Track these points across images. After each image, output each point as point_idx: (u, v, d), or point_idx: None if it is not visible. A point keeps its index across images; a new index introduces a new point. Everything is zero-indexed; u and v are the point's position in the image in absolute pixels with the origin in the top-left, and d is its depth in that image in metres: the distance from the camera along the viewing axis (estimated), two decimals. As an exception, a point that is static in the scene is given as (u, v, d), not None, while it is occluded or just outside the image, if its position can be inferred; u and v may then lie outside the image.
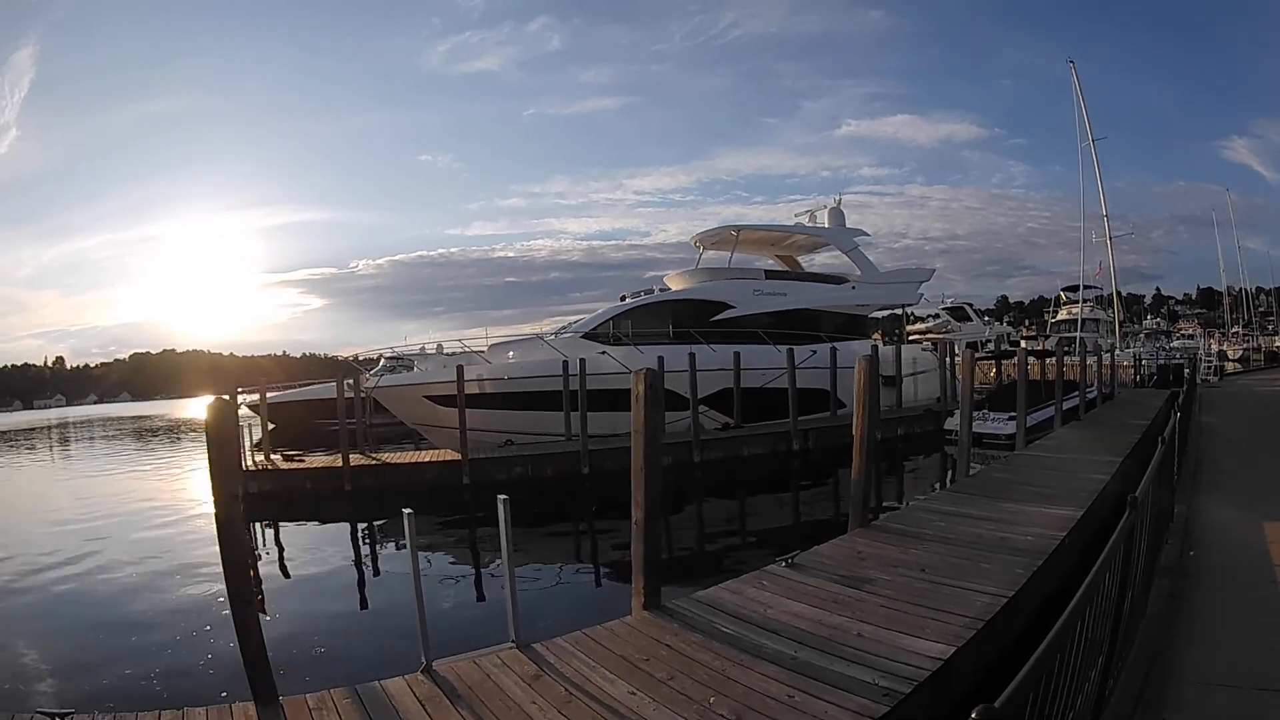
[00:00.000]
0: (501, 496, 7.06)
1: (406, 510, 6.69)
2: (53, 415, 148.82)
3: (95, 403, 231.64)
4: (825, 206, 34.29)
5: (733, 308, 28.18)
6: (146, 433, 65.62)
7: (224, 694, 6.70)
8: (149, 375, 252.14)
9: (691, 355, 24.24)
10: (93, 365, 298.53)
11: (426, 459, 23.23)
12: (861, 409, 10.57)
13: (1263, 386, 35.16)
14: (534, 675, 6.04)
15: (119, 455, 45.68)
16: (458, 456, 21.82)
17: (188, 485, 27.64)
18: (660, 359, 23.55)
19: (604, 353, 25.55)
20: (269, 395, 48.23)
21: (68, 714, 5.52)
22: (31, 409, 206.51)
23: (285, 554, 16.89)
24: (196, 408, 26.66)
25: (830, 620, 6.73)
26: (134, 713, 5.69)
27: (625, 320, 27.77)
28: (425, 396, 24.97)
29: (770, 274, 30.86)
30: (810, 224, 33.87)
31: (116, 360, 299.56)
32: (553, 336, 27.55)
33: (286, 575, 14.79)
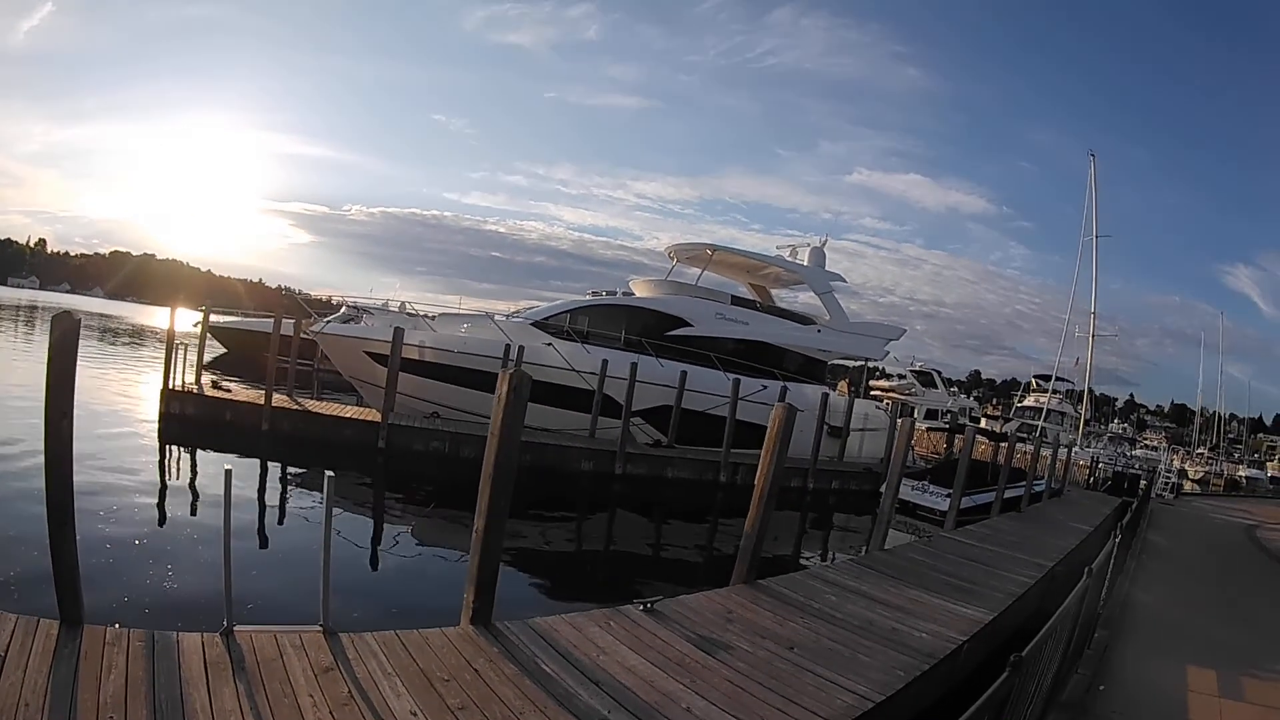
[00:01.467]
0: (328, 473, 6.57)
1: (328, 473, 6.56)
2: (23, 295, 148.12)
3: (67, 291, 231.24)
4: (809, 244, 33.51)
5: (690, 325, 27.59)
6: (109, 333, 64.72)
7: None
8: (125, 275, 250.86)
9: (633, 364, 23.58)
10: (72, 254, 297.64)
11: (348, 414, 22.55)
12: (768, 458, 9.68)
13: (1217, 513, 34.51)
14: (325, 667, 5.65)
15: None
16: (379, 417, 21.26)
17: (127, 394, 27.26)
18: (605, 362, 23.54)
19: (550, 344, 24.99)
20: (224, 320, 48.32)
21: None
22: (5, 285, 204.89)
23: (182, 482, 16.27)
24: (163, 317, 26.48)
25: (663, 685, 6.02)
26: None
27: (582, 316, 27.02)
28: (365, 351, 24.22)
29: (736, 300, 30.08)
30: (790, 258, 33.21)
31: (96, 254, 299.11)
32: (503, 318, 26.92)
33: (161, 505, 13.76)
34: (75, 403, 5.77)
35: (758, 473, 9.82)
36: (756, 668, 6.62)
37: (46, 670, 4.95)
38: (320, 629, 6.23)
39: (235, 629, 5.91)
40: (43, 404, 5.58)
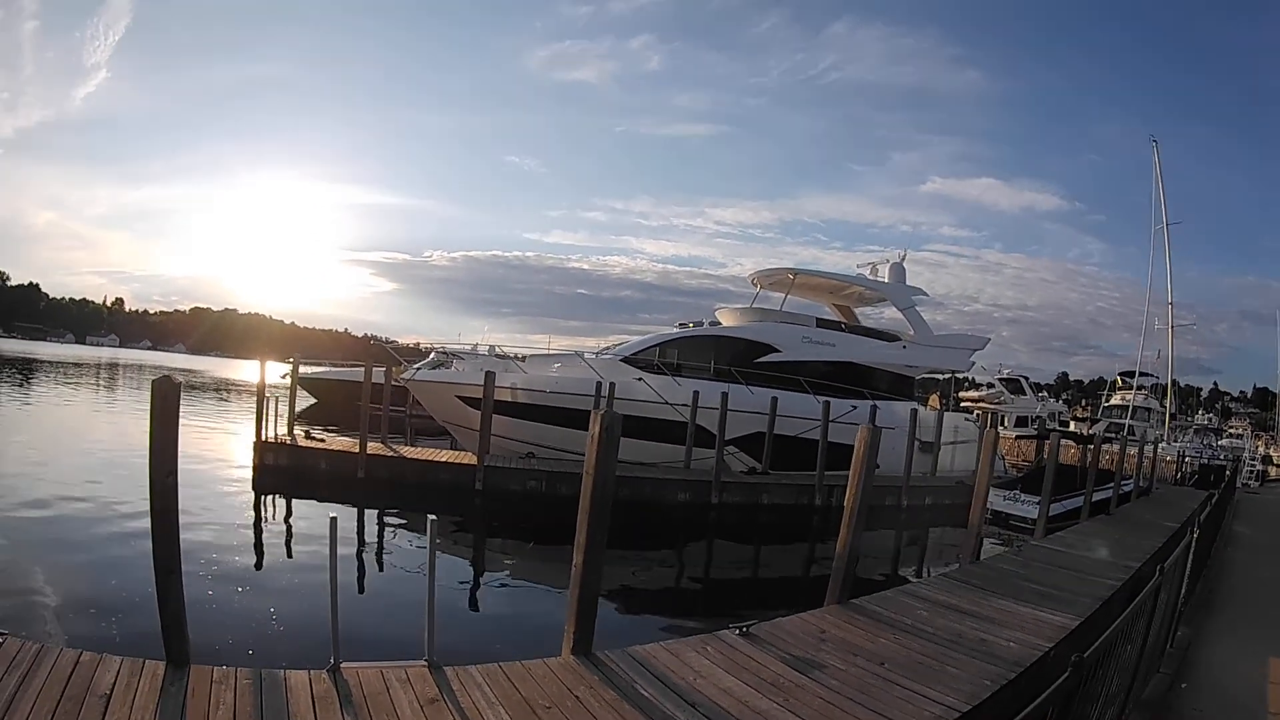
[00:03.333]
0: (431, 517, 6.98)
1: (430, 516, 6.92)
2: (104, 354, 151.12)
3: (148, 348, 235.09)
4: (888, 260, 33.43)
5: (779, 351, 27.55)
6: (193, 388, 66.11)
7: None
8: (206, 330, 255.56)
9: (724, 394, 23.61)
10: (151, 312, 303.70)
11: (443, 458, 22.84)
12: (856, 479, 9.75)
13: None
14: (431, 699, 5.78)
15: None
16: (474, 460, 21.50)
17: (218, 448, 28.01)
18: (696, 393, 23.61)
19: (640, 379, 25.15)
20: (313, 370, 49.18)
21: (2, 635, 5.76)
22: (83, 344, 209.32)
23: (278, 529, 16.73)
24: (249, 370, 26.90)
25: (757, 704, 6.15)
26: (59, 646, 5.87)
27: (671, 349, 27.21)
28: (457, 396, 24.72)
29: (822, 323, 30.06)
30: (871, 276, 33.13)
31: (176, 310, 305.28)
32: (593, 356, 27.14)
33: (260, 552, 14.42)
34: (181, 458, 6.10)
35: (847, 493, 9.93)
36: (848, 684, 6.72)
37: (153, 708, 5.15)
38: (425, 663, 6.42)
39: (342, 665, 6.10)
40: (146, 460, 5.90)
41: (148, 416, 6.03)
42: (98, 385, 57.46)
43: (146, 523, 5.87)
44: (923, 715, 6.15)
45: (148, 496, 5.98)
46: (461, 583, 13.81)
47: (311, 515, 17.78)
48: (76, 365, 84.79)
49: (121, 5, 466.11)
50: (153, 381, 6.12)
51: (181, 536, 12.06)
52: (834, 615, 9.01)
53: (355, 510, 18.22)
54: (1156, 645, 7.13)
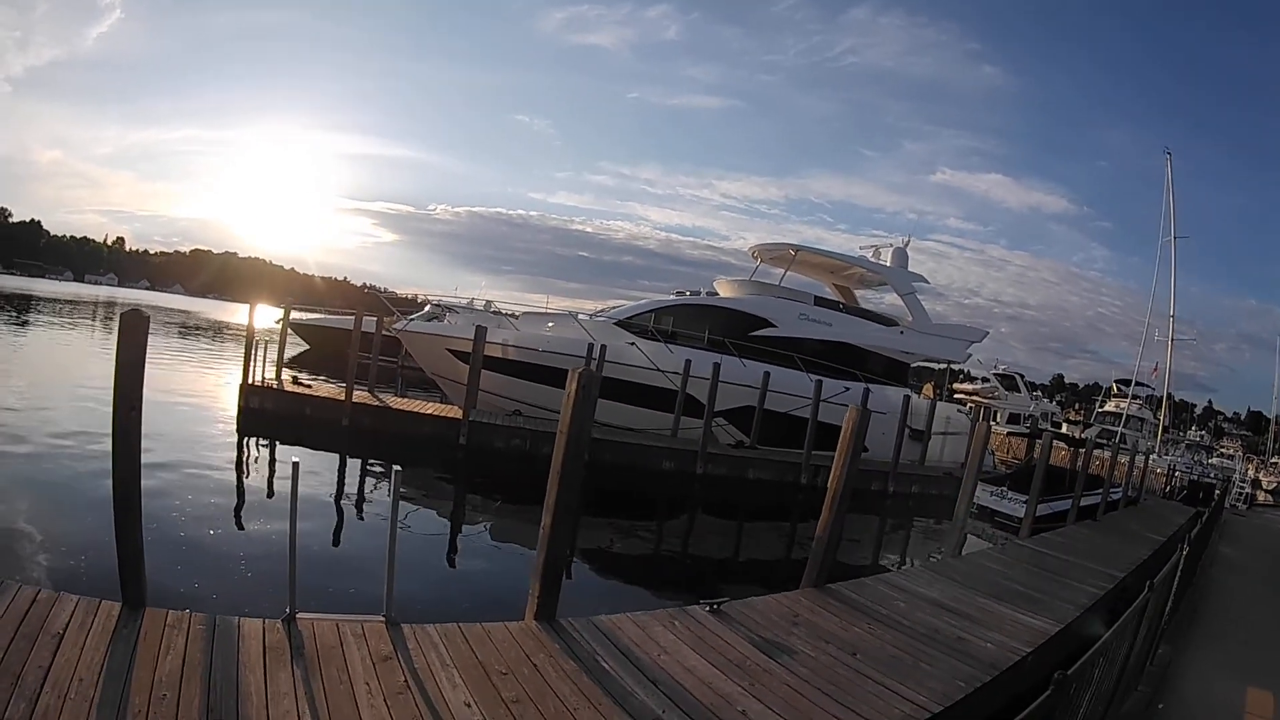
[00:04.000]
0: (396, 467, 6.72)
1: (395, 466, 6.77)
2: (101, 293, 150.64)
3: (146, 288, 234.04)
4: (892, 245, 33.18)
5: (774, 326, 27.35)
6: (189, 329, 66.23)
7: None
8: (205, 273, 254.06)
9: (716, 364, 23.37)
10: (151, 252, 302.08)
11: (429, 411, 22.66)
12: (841, 461, 9.48)
13: None
14: (384, 656, 5.72)
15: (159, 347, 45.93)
16: (459, 414, 21.39)
17: (206, 389, 27.84)
18: (688, 361, 23.42)
19: (633, 343, 24.96)
20: (307, 316, 48.96)
21: None
22: (82, 282, 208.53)
23: (259, 473, 16.45)
24: (243, 314, 26.83)
25: (721, 687, 5.97)
26: (17, 584, 5.79)
27: (666, 316, 26.98)
28: (448, 349, 24.55)
29: (820, 301, 29.76)
30: (873, 259, 32.83)
31: (176, 252, 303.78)
32: (587, 317, 26.92)
33: (239, 495, 14.03)
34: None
35: (831, 475, 9.68)
36: (817, 673, 6.53)
37: (104, 649, 5.07)
38: (383, 619, 6.30)
39: (298, 616, 6.02)
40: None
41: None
42: (93, 324, 57.02)
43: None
44: (891, 713, 5.95)
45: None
46: (435, 536, 13.78)
47: (292, 462, 17.43)
48: (72, 303, 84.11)
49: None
50: (121, 314, 5.92)
51: (159, 475, 12.16)
52: (809, 599, 8.80)
53: (336, 458, 18.12)
54: (1138, 662, 6.91)
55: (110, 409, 5.72)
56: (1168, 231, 52.37)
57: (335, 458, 18.15)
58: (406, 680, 5.40)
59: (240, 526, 12.16)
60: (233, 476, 15.49)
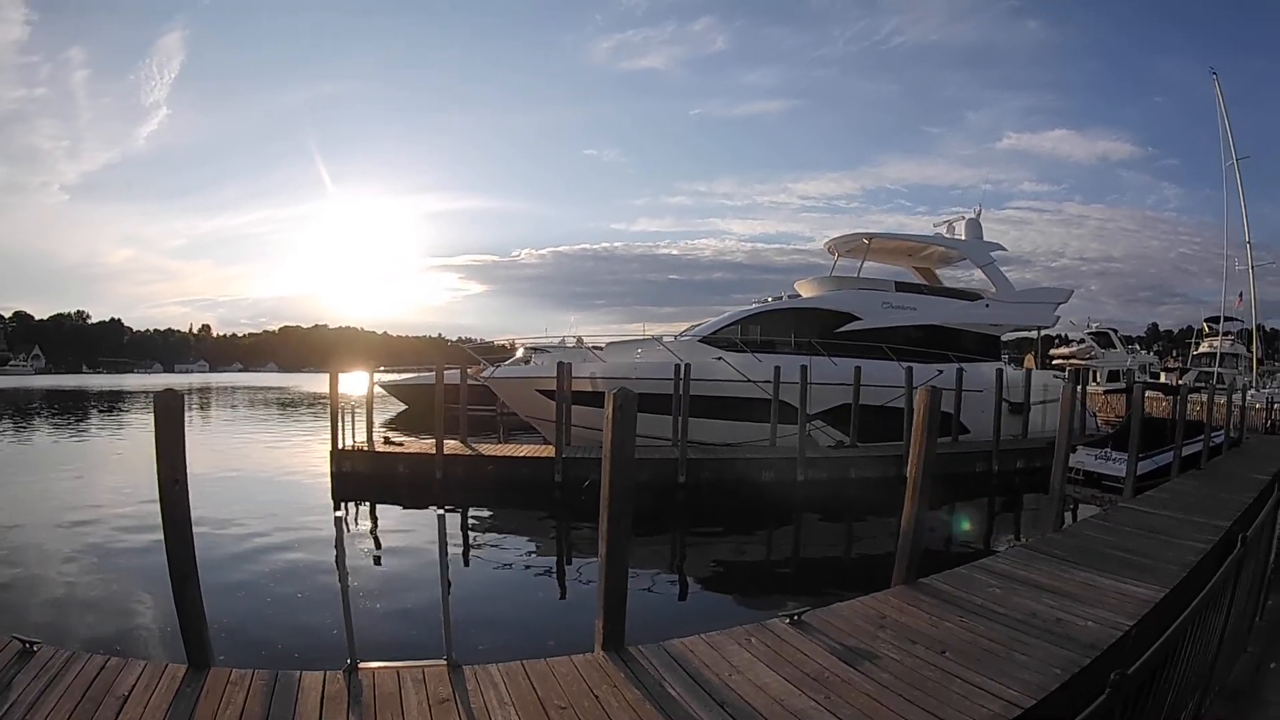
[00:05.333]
0: (438, 512, 6.76)
1: (439, 512, 6.76)
2: (195, 380, 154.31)
3: (239, 370, 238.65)
4: (964, 217, 32.62)
5: (859, 319, 26.91)
6: (280, 405, 67.91)
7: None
8: (296, 348, 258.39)
9: (804, 367, 22.87)
10: (240, 335, 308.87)
11: (521, 453, 22.69)
12: (918, 447, 8.95)
13: None
14: (442, 699, 5.61)
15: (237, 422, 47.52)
16: (554, 452, 21.27)
17: (300, 460, 28.21)
18: (777, 368, 23.00)
19: (719, 358, 24.70)
20: (402, 377, 49.51)
21: (35, 643, 6.01)
22: (172, 372, 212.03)
23: (355, 537, 16.61)
24: (342, 383, 27.18)
25: (793, 703, 5.60)
26: (88, 652, 6.02)
27: (751, 326, 26.80)
28: (537, 390, 24.61)
29: (901, 286, 29.30)
30: (948, 235, 32.39)
31: (265, 331, 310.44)
32: (671, 339, 26.72)
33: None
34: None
35: (909, 463, 9.19)
36: (901, 677, 6.12)
37: (165, 708, 5.18)
38: (444, 662, 6.19)
39: (360, 665, 6.00)
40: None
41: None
42: (189, 412, 58.32)
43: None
44: (978, 713, 5.50)
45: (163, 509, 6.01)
46: (534, 576, 13.97)
47: (389, 522, 17.90)
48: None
49: (173, 42, 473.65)
50: (154, 394, 6.16)
51: (254, 546, 13.59)
52: (897, 598, 8.30)
53: (432, 512, 17.91)
54: (1242, 622, 6.35)
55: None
56: (1228, 155, 50.73)
57: (432, 512, 17.92)
58: None
59: (324, 586, 12.01)
60: (328, 544, 15.49)
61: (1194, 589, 9.03)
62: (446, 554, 6.48)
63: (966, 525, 18.56)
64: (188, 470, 6.13)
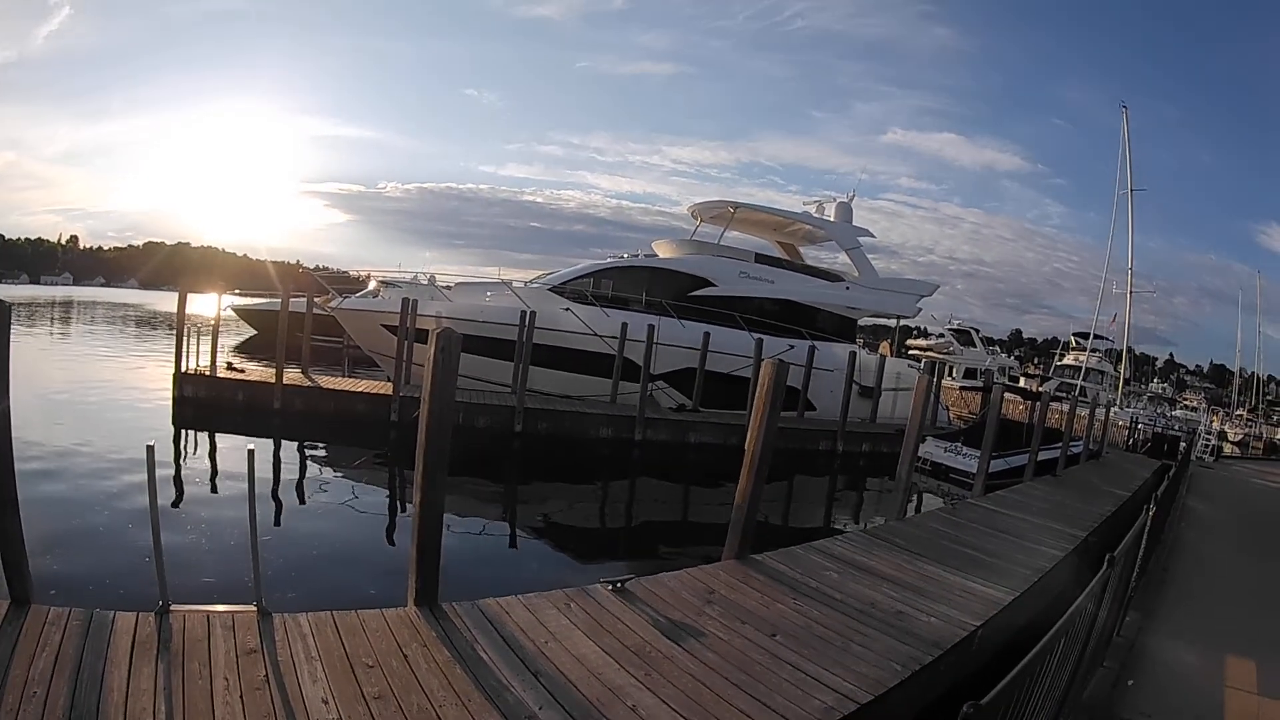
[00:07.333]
0: (250, 447, 6.14)
1: (249, 448, 6.19)
2: (57, 293, 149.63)
3: (102, 285, 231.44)
4: (836, 200, 32.75)
5: (714, 286, 26.85)
6: (130, 321, 65.78)
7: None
8: (159, 264, 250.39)
9: (650, 326, 22.79)
10: (106, 248, 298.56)
11: (360, 389, 22.18)
12: (759, 420, 8.67)
13: (1259, 479, 32.58)
14: (250, 649, 5.33)
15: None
16: (389, 390, 20.95)
17: (143, 380, 27.01)
18: (624, 325, 23.01)
19: (567, 309, 24.42)
20: (251, 302, 48.13)
21: None
22: (38, 284, 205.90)
23: (195, 464, 15.79)
24: (198, 303, 25.92)
25: (612, 678, 5.35)
26: None
27: (604, 280, 26.53)
28: (382, 325, 23.80)
29: (761, 258, 29.31)
30: (817, 215, 32.37)
31: (130, 246, 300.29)
32: (521, 285, 26.30)
33: (180, 486, 13.53)
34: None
35: (748, 436, 8.92)
36: (727, 659, 5.87)
37: None
38: (254, 609, 5.90)
39: (171, 608, 5.70)
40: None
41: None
42: (50, 326, 55.80)
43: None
44: (809, 704, 5.28)
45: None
46: (360, 518, 13.43)
47: (228, 449, 17.04)
48: (28, 305, 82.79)
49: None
50: None
51: (89, 469, 13.26)
52: (728, 573, 8.08)
53: (270, 444, 17.55)
54: (1101, 637, 6.27)
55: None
56: (1124, 185, 52.53)
57: (269, 444, 17.55)
58: (267, 675, 5.03)
59: (171, 517, 11.49)
60: (169, 468, 14.73)
61: (1045, 594, 9.08)
62: (255, 494, 6.03)
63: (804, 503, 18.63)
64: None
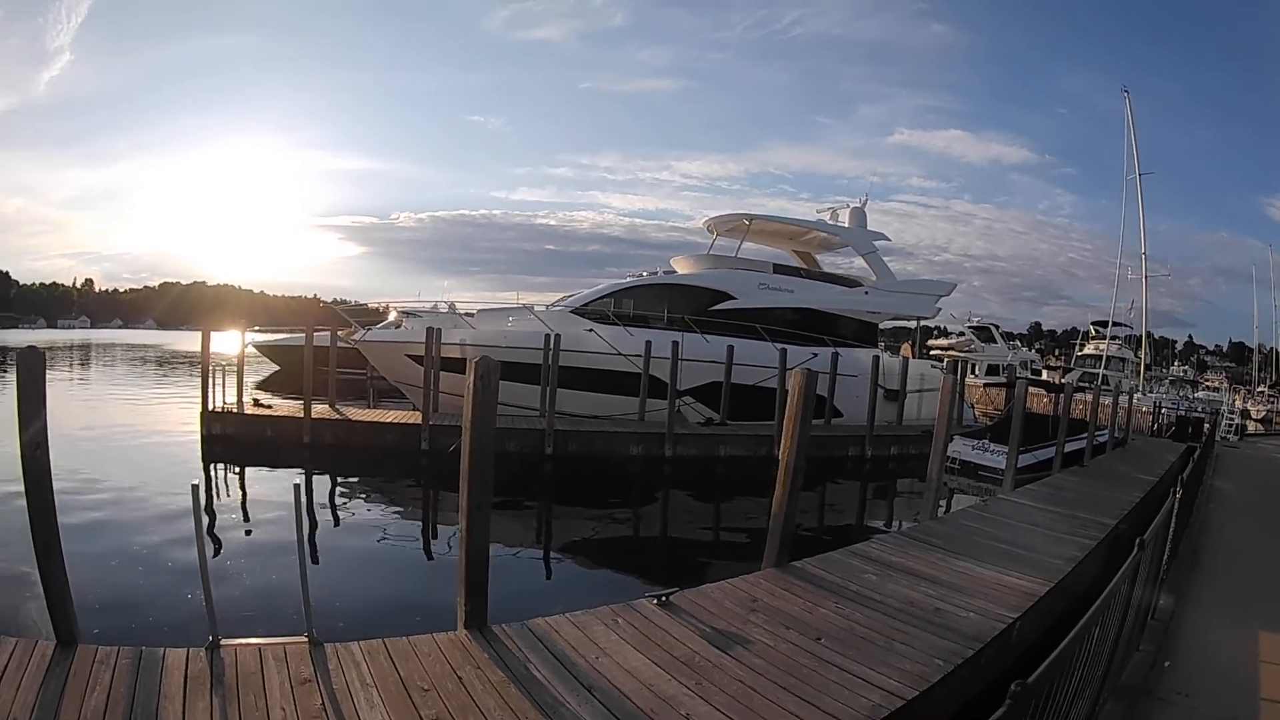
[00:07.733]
0: (295, 481, 6.47)
1: (296, 482, 6.54)
2: (75, 336, 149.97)
3: (119, 327, 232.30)
4: (849, 205, 32.76)
5: (734, 299, 26.88)
6: (151, 362, 65.67)
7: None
8: (177, 305, 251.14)
9: (675, 343, 22.84)
10: (122, 290, 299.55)
11: (389, 419, 22.20)
12: (791, 430, 8.77)
13: None
14: (304, 679, 5.38)
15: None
16: (419, 419, 20.93)
17: (170, 420, 27.23)
18: (648, 343, 22.92)
19: (591, 330, 24.52)
20: (272, 338, 48.40)
21: None
22: (55, 328, 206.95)
23: (227, 500, 16.10)
24: (214, 342, 26.06)
25: (664, 688, 5.42)
26: None
27: (625, 299, 26.52)
28: (406, 355, 24.00)
29: (779, 268, 29.36)
30: (831, 221, 32.48)
31: (146, 287, 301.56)
32: (543, 309, 26.33)
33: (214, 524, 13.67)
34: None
35: (781, 445, 9.03)
36: (774, 664, 5.95)
37: (36, 688, 4.97)
38: (305, 640, 5.95)
39: (221, 643, 5.75)
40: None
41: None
42: (69, 369, 55.99)
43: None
44: (858, 704, 5.36)
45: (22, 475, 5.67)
46: (396, 548, 13.48)
47: (260, 485, 17.07)
48: (47, 349, 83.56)
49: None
50: (17, 352, 5.81)
51: (124, 509, 13.20)
52: (769, 581, 8.17)
53: (301, 475, 17.59)
54: (1136, 621, 6.31)
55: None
56: (1132, 169, 52.39)
57: (300, 475, 17.59)
58: (323, 704, 5.07)
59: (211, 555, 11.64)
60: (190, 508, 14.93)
61: (1078, 584, 9.10)
62: (303, 527, 6.15)
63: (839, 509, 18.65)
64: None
